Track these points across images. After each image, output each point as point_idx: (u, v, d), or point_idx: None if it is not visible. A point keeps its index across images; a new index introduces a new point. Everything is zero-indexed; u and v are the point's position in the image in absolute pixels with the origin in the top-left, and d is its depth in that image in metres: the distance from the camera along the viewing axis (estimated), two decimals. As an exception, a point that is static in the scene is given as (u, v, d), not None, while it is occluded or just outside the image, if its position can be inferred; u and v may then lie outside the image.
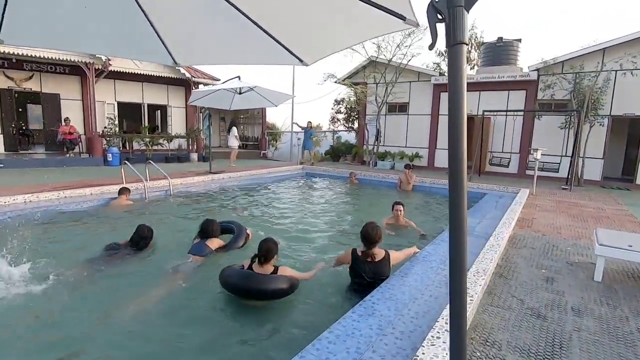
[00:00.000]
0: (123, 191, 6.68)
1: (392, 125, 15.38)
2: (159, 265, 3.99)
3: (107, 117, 13.56)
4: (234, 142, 13.62)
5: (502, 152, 12.92)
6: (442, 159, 14.35)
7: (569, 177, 10.32)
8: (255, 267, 3.36)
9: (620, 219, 6.45)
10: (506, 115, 12.34)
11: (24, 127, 15.24)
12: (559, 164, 11.13)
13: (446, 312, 2.71)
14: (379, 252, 3.54)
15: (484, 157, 12.60)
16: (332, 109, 18.95)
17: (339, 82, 15.21)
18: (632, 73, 10.41)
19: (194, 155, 15.14)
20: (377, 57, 14.00)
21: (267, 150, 19.77)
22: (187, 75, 14.70)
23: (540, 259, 4.17)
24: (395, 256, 3.70)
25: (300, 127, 14.64)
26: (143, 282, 3.68)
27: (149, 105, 15.58)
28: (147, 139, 13.90)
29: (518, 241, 4.86)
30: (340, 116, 19.01)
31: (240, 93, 9.87)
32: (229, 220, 5.55)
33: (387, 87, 13.86)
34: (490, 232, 5.03)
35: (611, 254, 3.50)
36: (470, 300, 2.81)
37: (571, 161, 10.38)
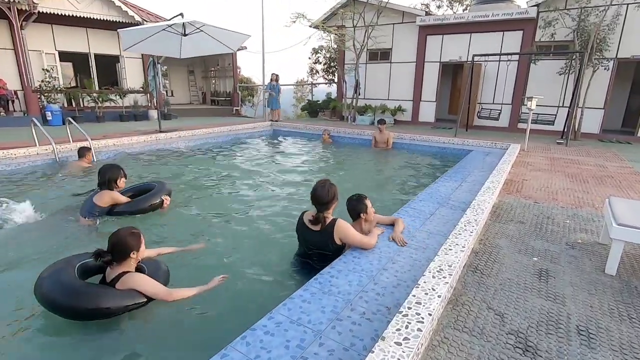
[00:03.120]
0: (83, 152, 5.71)
1: (373, 75, 13.80)
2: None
3: (44, 70, 11.74)
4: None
5: (493, 103, 11.62)
6: (427, 112, 13.01)
7: (565, 130, 9.18)
8: (109, 268, 2.26)
9: (626, 179, 5.41)
10: (499, 60, 10.91)
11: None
12: (555, 115, 9.94)
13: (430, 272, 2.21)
14: (328, 218, 2.69)
15: (472, 109, 11.31)
16: (310, 58, 17.12)
17: (312, 26, 13.35)
18: (647, 6, 8.92)
19: (154, 113, 13.54)
20: (354, -7, 12.13)
21: (241, 107, 18.12)
22: (137, 18, 12.68)
23: (530, 238, 3.11)
24: (344, 228, 2.66)
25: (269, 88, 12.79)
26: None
27: (99, 56, 13.65)
28: (95, 95, 12.22)
29: (503, 212, 3.79)
30: (319, 67, 17.25)
31: (185, 34, 8.23)
32: (155, 180, 4.47)
33: (366, 30, 12.12)
34: (469, 200, 3.95)
35: (635, 238, 2.42)
36: (420, 323, 1.73)
37: (569, 112, 9.19)
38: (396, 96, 13.46)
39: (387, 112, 13.13)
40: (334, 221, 2.67)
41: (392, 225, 3.14)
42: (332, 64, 16.30)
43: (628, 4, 9.29)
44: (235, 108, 17.26)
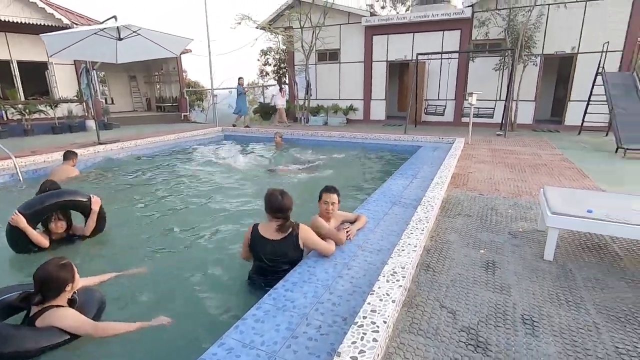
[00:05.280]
0: (68, 155, 5.64)
1: (324, 76, 13.89)
2: None
3: (-45, 80, 10.42)
4: (278, 101, 12.91)
5: (438, 99, 12.18)
6: (378, 110, 13.34)
7: (503, 122, 9.85)
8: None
9: (557, 166, 5.89)
10: (441, 58, 11.43)
11: None
12: (494, 108, 10.63)
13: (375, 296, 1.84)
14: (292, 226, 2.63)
15: (419, 106, 11.77)
16: (259, 60, 16.84)
17: (258, 28, 13.12)
18: (565, 6, 9.80)
19: (92, 123, 12.53)
20: (299, -5, 12.12)
21: (190, 112, 17.37)
22: (65, 20, 11.65)
23: (478, 231, 3.25)
24: (308, 231, 2.66)
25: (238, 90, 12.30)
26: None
27: (23, 63, 12.36)
28: (21, 106, 11.06)
29: (452, 206, 3.94)
30: (269, 68, 17.02)
31: (120, 39, 7.69)
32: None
33: (314, 31, 12.15)
34: (420, 196, 4.05)
35: (567, 225, 2.61)
36: (375, 332, 1.71)
37: (505, 105, 9.87)
38: (347, 95, 13.65)
39: (340, 112, 13.28)
40: (297, 226, 2.62)
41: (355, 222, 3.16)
42: (282, 65, 16.16)
43: (549, 5, 10.15)
44: (183, 114, 16.52)
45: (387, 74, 12.91)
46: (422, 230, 2.97)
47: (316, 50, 13.06)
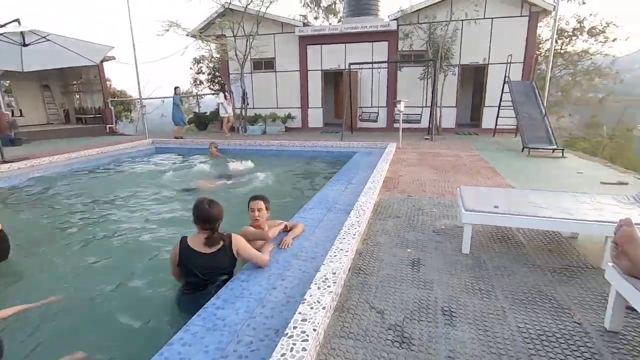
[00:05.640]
0: None
1: (260, 85, 13.81)
2: None
3: None
4: (222, 110, 12.20)
5: (371, 106, 12.78)
6: (315, 118, 13.59)
7: (430, 126, 10.63)
8: None
9: (475, 166, 6.50)
10: (372, 67, 12.04)
11: None
12: (421, 114, 11.45)
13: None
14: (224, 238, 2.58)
15: (354, 113, 12.24)
16: (191, 68, 16.22)
17: (189, 35, 12.67)
18: (475, 22, 10.92)
19: (-5, 139, 11.01)
20: (230, 3, 11.94)
21: (117, 124, 16.10)
22: (-45, 23, 10.13)
23: (405, 231, 3.45)
24: (240, 240, 2.62)
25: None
26: None
27: None
28: None
29: (383, 209, 4.14)
30: (203, 77, 16.47)
31: (24, 45, 6.90)
32: None
33: (247, 40, 12.05)
34: (354, 202, 4.19)
35: (478, 220, 2.88)
36: (305, 342, 1.72)
37: (431, 111, 10.67)
38: (285, 104, 13.72)
39: (278, 120, 13.28)
40: (229, 236, 2.58)
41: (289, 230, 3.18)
42: (216, 73, 15.74)
43: (462, 20, 11.25)
44: (108, 126, 15.25)
45: (322, 83, 13.23)
46: (354, 234, 3.07)
47: (251, 59, 12.95)
